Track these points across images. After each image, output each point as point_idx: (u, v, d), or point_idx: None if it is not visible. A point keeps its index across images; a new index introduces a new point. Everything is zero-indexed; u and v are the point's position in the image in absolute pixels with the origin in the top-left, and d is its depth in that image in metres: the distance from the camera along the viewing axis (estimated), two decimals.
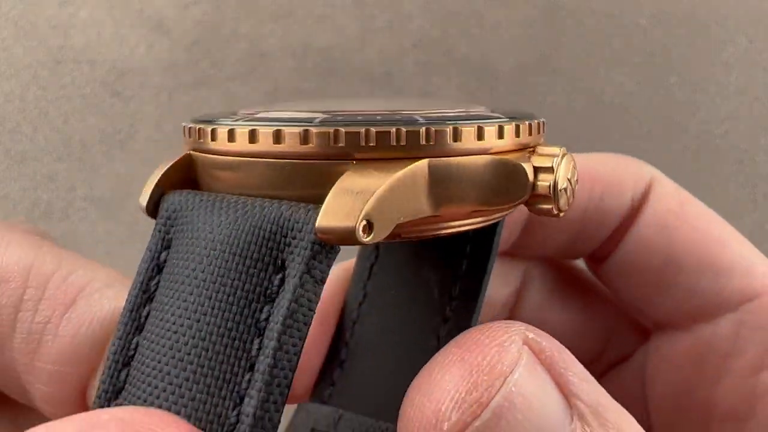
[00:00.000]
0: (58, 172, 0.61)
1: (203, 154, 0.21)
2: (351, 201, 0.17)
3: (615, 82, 0.64)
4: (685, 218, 0.28)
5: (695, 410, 0.28)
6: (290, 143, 0.18)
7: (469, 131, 0.18)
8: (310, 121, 0.18)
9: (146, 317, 0.20)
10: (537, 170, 0.20)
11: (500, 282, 0.31)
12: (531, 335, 0.19)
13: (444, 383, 0.17)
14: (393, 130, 0.18)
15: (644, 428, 0.30)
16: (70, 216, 0.61)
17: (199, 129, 0.21)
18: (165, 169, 0.22)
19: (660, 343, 0.29)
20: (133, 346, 0.19)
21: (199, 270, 0.19)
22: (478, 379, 0.17)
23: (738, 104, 0.64)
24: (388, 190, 0.17)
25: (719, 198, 0.63)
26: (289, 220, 0.17)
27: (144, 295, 0.20)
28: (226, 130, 0.20)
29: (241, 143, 0.19)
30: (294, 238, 0.17)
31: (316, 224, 0.17)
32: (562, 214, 0.21)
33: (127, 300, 0.20)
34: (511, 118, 0.21)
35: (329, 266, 0.17)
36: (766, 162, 0.63)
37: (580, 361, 0.33)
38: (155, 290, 0.20)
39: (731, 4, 0.67)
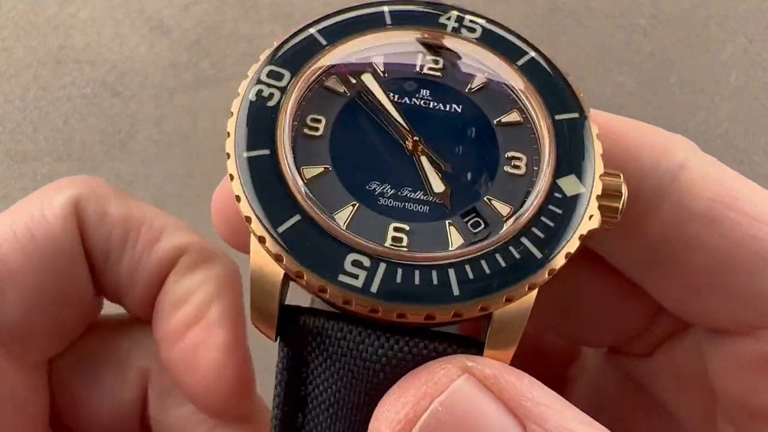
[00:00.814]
0: (58, 172, 0.61)
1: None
2: (501, 351, 0.21)
3: (615, 82, 0.64)
4: (737, 207, 0.23)
5: (765, 415, 0.24)
6: (441, 319, 0.20)
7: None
8: (449, 289, 0.20)
9: (303, 421, 0.23)
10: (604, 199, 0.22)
11: None
12: (471, 364, 0.19)
13: (383, 411, 0.20)
14: (526, 285, 0.20)
15: (709, 411, 0.25)
16: None
17: (323, 287, 0.20)
18: (279, 305, 0.21)
19: (720, 344, 0.25)
20: None
21: (361, 389, 0.21)
22: (406, 400, 0.19)
23: (738, 104, 0.64)
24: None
25: None
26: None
27: (293, 403, 0.23)
28: (370, 302, 0.20)
29: (388, 316, 0.20)
30: None
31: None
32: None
33: (274, 406, 0.23)
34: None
35: None
36: (765, 162, 0.63)
37: (625, 335, 0.28)
38: (306, 400, 0.23)
39: (731, 4, 0.67)
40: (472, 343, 0.21)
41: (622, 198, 0.22)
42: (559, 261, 0.20)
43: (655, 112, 0.64)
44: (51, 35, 0.65)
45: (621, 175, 0.22)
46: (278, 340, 0.22)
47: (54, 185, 0.30)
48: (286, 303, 0.22)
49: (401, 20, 0.24)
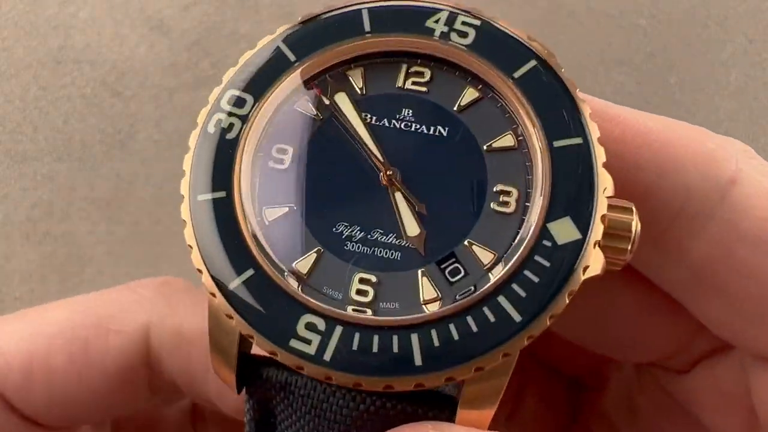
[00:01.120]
0: (58, 172, 0.61)
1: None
2: (478, 410, 0.19)
3: (615, 82, 0.64)
4: None
5: None
6: (401, 389, 0.19)
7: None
8: (410, 359, 0.18)
9: None
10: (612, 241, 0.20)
11: None
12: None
13: None
14: (500, 354, 0.18)
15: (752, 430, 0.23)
16: (70, 216, 0.61)
17: (274, 351, 0.19)
18: (235, 354, 0.20)
19: (766, 372, 0.22)
20: None
21: None
22: None
23: (738, 104, 0.64)
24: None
25: None
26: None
27: None
28: (323, 371, 0.18)
29: (343, 385, 0.19)
30: None
31: None
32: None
33: None
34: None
35: None
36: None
37: (662, 352, 0.25)
38: None
39: (731, 4, 0.67)
40: (446, 402, 0.19)
41: (632, 238, 0.19)
42: (540, 326, 0.18)
43: (655, 112, 0.64)
44: (51, 35, 0.65)
45: (633, 209, 0.19)
46: (244, 391, 0.21)
47: (136, 293, 0.27)
48: (252, 353, 0.20)
49: (381, 25, 0.20)
